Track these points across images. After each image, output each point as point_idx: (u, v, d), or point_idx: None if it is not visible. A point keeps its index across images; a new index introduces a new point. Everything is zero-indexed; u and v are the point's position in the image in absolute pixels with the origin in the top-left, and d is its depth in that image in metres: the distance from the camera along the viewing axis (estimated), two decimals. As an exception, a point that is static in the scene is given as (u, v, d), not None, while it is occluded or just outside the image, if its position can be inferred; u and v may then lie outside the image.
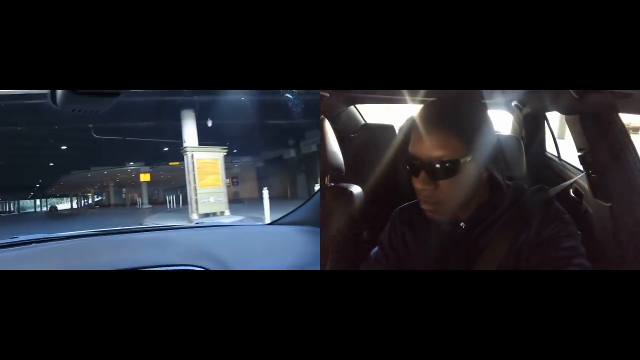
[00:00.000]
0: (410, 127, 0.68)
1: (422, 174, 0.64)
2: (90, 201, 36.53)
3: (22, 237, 0.84)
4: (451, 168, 0.63)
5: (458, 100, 0.68)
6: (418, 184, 0.65)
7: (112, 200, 28.73)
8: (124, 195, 30.64)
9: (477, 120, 0.67)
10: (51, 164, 17.53)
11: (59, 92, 0.59)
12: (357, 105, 1.78)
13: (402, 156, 0.72)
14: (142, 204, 22.20)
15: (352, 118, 1.74)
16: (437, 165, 0.63)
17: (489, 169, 0.68)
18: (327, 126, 1.14)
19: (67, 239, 0.88)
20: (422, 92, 1.25)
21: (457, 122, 0.65)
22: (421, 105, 0.70)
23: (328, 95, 1.29)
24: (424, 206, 0.67)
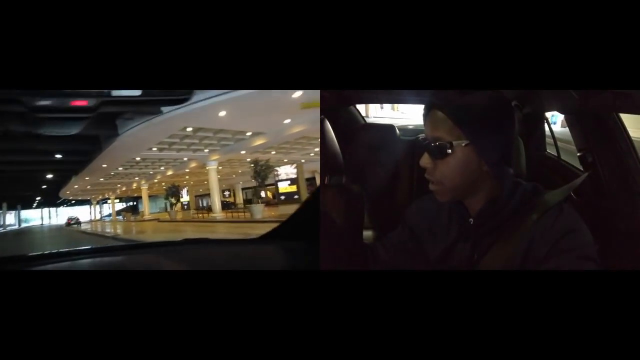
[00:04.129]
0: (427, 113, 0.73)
1: (425, 152, 0.70)
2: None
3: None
4: (443, 148, 0.68)
5: (475, 92, 0.70)
6: (421, 161, 0.70)
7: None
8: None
9: (485, 111, 0.68)
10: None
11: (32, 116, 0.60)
12: (357, 105, 1.78)
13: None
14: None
15: (352, 118, 1.74)
16: (433, 144, 0.68)
17: (491, 162, 0.68)
18: (327, 126, 1.13)
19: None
20: (421, 92, 1.25)
21: (458, 107, 0.67)
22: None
23: (328, 95, 1.29)
24: (430, 186, 0.72)
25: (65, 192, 21.80)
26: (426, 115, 0.71)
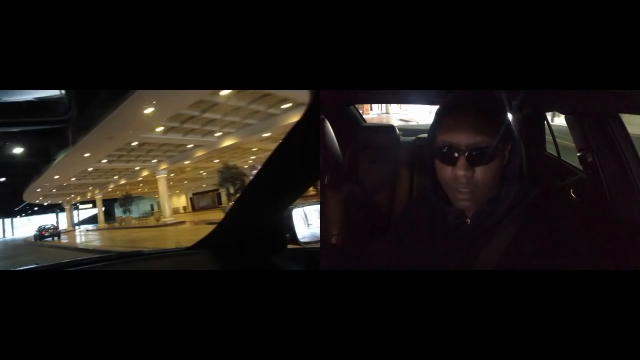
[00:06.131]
0: (442, 115, 0.69)
1: (462, 160, 0.65)
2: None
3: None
4: (491, 153, 0.65)
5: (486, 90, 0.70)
6: (458, 170, 0.66)
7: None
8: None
9: (505, 109, 0.70)
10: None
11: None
12: (356, 105, 1.78)
13: (428, 146, 0.72)
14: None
15: (352, 118, 1.74)
16: (479, 151, 0.65)
17: (510, 159, 0.69)
18: (327, 126, 1.13)
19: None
20: (421, 92, 1.25)
21: (493, 107, 0.67)
22: (453, 94, 0.72)
23: (328, 95, 1.29)
24: (458, 195, 0.68)
25: (35, 192, 14.26)
26: (455, 120, 0.67)
